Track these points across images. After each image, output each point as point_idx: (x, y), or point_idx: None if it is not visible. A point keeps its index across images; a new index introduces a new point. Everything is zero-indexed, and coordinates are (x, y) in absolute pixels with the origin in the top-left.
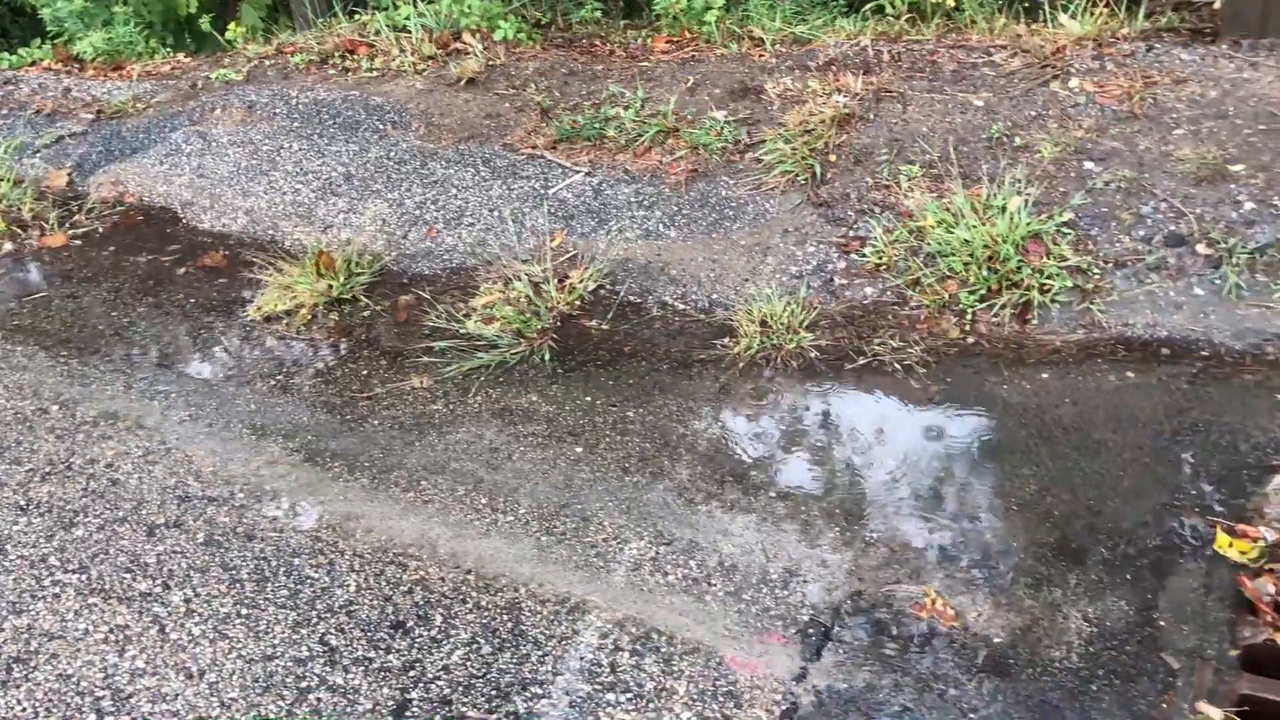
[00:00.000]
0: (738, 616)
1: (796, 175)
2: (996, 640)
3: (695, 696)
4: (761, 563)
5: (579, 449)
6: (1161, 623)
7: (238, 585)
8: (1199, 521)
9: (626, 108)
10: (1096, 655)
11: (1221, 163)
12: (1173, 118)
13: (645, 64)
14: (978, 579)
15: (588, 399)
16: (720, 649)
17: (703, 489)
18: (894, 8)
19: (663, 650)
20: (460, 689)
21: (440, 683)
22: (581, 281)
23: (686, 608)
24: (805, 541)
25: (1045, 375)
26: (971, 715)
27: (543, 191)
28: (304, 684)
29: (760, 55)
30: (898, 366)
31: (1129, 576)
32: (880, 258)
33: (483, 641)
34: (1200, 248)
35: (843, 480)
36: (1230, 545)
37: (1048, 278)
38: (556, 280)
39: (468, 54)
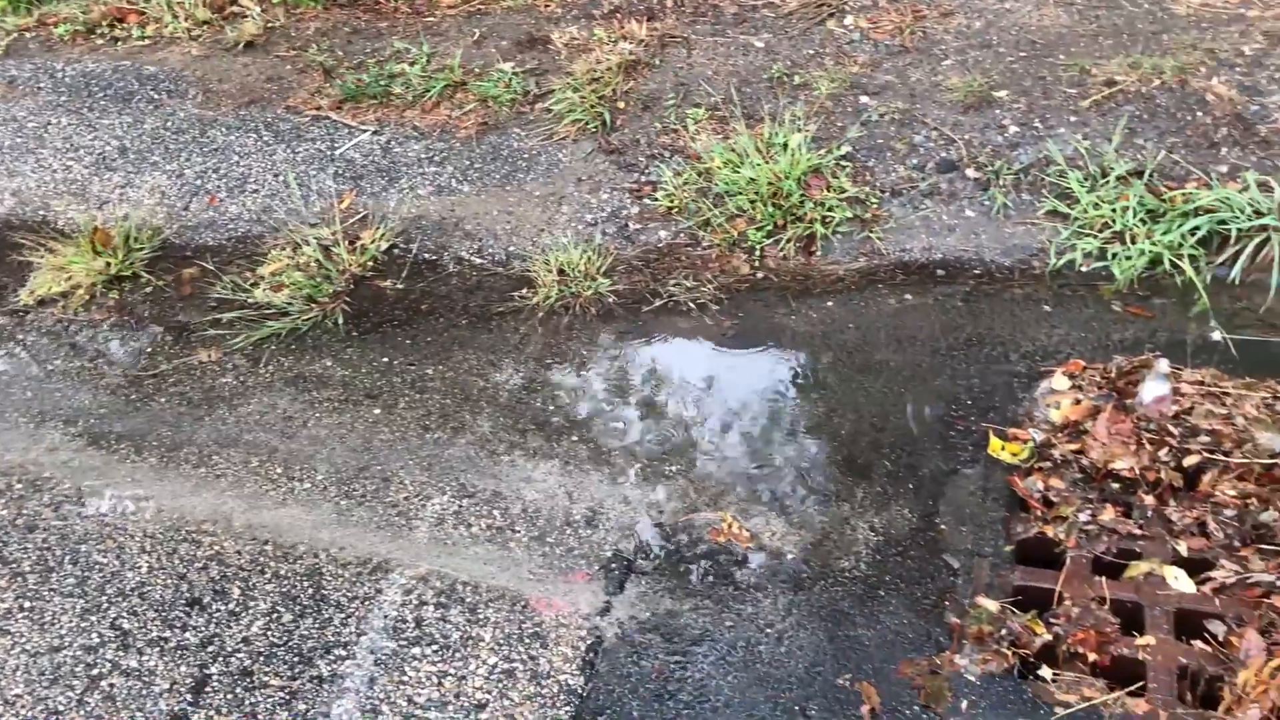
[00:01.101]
0: (542, 560)
1: (587, 124)
2: (790, 556)
3: (501, 641)
4: (565, 505)
5: (377, 410)
6: (943, 526)
7: (19, 579)
8: (975, 429)
9: (412, 64)
10: (883, 562)
11: (987, 90)
12: (941, 49)
13: (431, 19)
14: (772, 501)
15: (385, 360)
16: (525, 593)
17: (505, 439)
18: None
19: (468, 600)
20: (261, 659)
21: (240, 655)
22: (374, 242)
23: (491, 556)
24: (607, 481)
25: (830, 304)
26: (768, 630)
27: (329, 153)
28: (95, 671)
29: (546, 5)
30: (692, 306)
31: (912, 486)
32: (672, 201)
33: (283, 610)
34: (970, 172)
35: (643, 419)
36: (1003, 449)
37: (829, 210)
38: (347, 242)
39: (245, 17)
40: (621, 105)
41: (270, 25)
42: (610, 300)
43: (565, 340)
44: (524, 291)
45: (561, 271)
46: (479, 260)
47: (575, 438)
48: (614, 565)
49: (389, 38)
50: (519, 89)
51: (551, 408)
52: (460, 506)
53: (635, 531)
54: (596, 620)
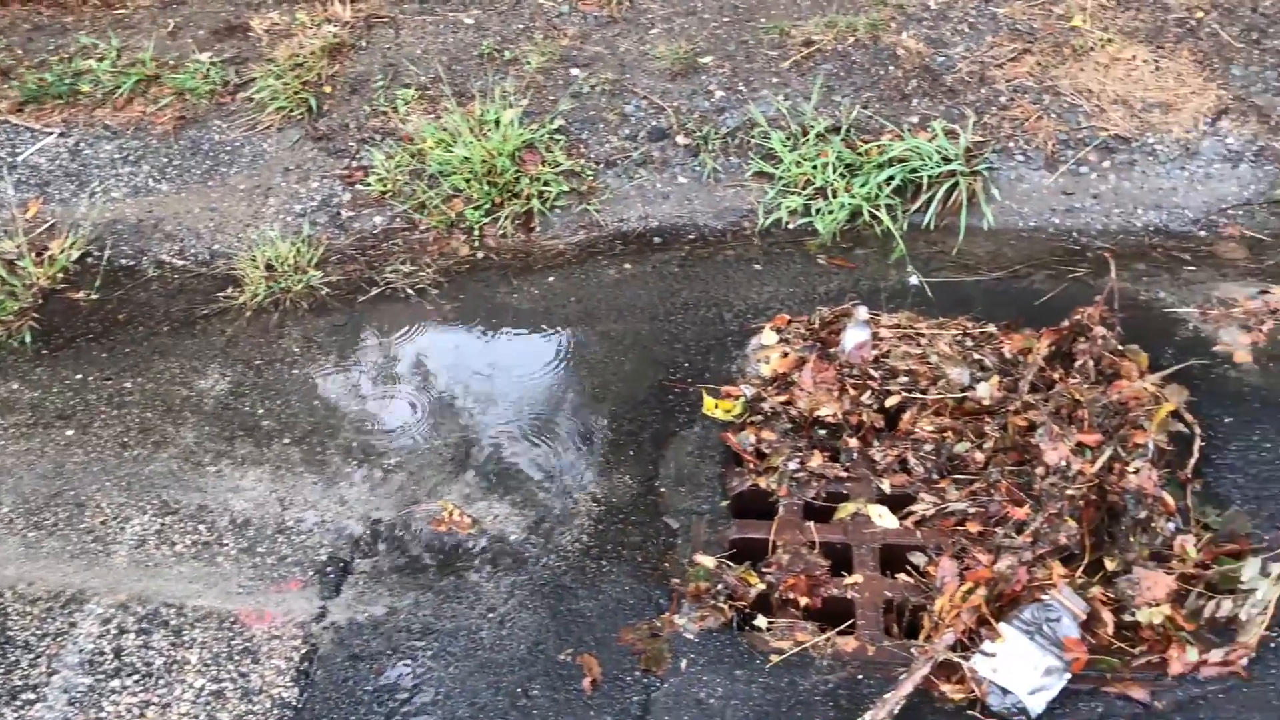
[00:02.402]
0: (253, 571)
1: (292, 111)
2: (513, 538)
3: (209, 662)
4: (277, 513)
5: (70, 432)
6: (662, 489)
7: None
8: (691, 391)
9: (101, 59)
10: (605, 532)
11: (693, 56)
12: (649, 18)
13: (121, 11)
14: (495, 483)
15: (78, 377)
16: (234, 608)
17: (211, 449)
18: None
19: (172, 623)
20: None
21: None
22: (63, 251)
23: (197, 574)
24: (323, 483)
25: (552, 279)
26: (490, 615)
27: (11, 160)
28: None
29: None
30: (411, 291)
31: (633, 453)
32: (385, 185)
33: None
34: (680, 139)
35: (360, 413)
36: (716, 407)
37: (546, 185)
38: (34, 254)
39: None
40: (328, 90)
41: None
42: (324, 293)
43: (276, 339)
44: (230, 291)
45: (270, 267)
46: (181, 262)
47: (287, 440)
48: (329, 569)
49: (74, 33)
50: (218, 79)
51: (261, 411)
52: (163, 525)
53: (351, 532)
54: (311, 628)
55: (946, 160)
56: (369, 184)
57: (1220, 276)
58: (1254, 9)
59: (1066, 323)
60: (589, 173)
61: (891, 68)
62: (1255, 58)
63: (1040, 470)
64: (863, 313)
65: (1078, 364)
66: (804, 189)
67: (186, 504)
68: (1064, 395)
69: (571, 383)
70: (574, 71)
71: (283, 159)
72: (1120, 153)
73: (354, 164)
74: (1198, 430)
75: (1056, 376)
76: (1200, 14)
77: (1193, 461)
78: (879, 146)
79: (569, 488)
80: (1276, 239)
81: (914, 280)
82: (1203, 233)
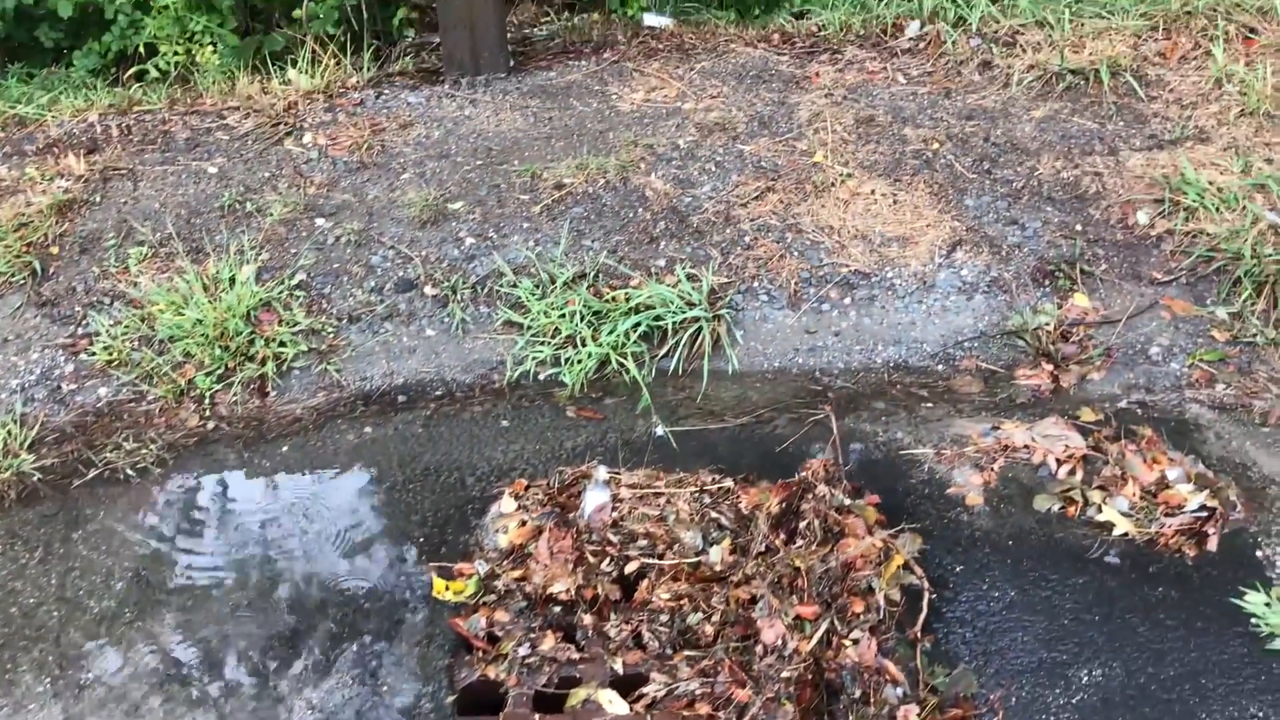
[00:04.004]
0: None
1: (13, 276)
2: None
3: None
4: None
5: None
6: (385, 686)
7: None
8: (422, 570)
9: None
10: None
11: (443, 202)
12: (400, 163)
13: None
14: (201, 696)
15: None
16: None
17: None
18: (158, 70)
19: None
20: None
21: None
22: None
23: None
24: (9, 706)
25: (286, 449)
26: None
27: None
28: None
29: None
30: (132, 472)
31: (355, 649)
32: (111, 354)
33: None
34: (428, 289)
35: (60, 620)
36: (446, 589)
37: (282, 346)
38: None
39: None
40: (55, 251)
41: None
42: (35, 479)
43: None
44: None
45: None
46: None
47: None
48: None
49: None
50: None
51: None
52: None
53: None
54: None
55: (690, 305)
56: (94, 353)
57: (956, 413)
58: (986, 139)
59: (795, 478)
60: (330, 330)
61: (640, 209)
62: (987, 188)
63: (759, 649)
64: (602, 473)
65: (804, 524)
66: (553, 338)
67: None
68: (786, 563)
69: (294, 575)
70: (319, 222)
71: (2, 329)
72: (861, 288)
73: (80, 331)
74: (926, 585)
75: (781, 541)
76: (936, 145)
77: (922, 618)
78: (625, 294)
79: (282, 695)
80: (1009, 370)
81: (659, 431)
82: (940, 367)
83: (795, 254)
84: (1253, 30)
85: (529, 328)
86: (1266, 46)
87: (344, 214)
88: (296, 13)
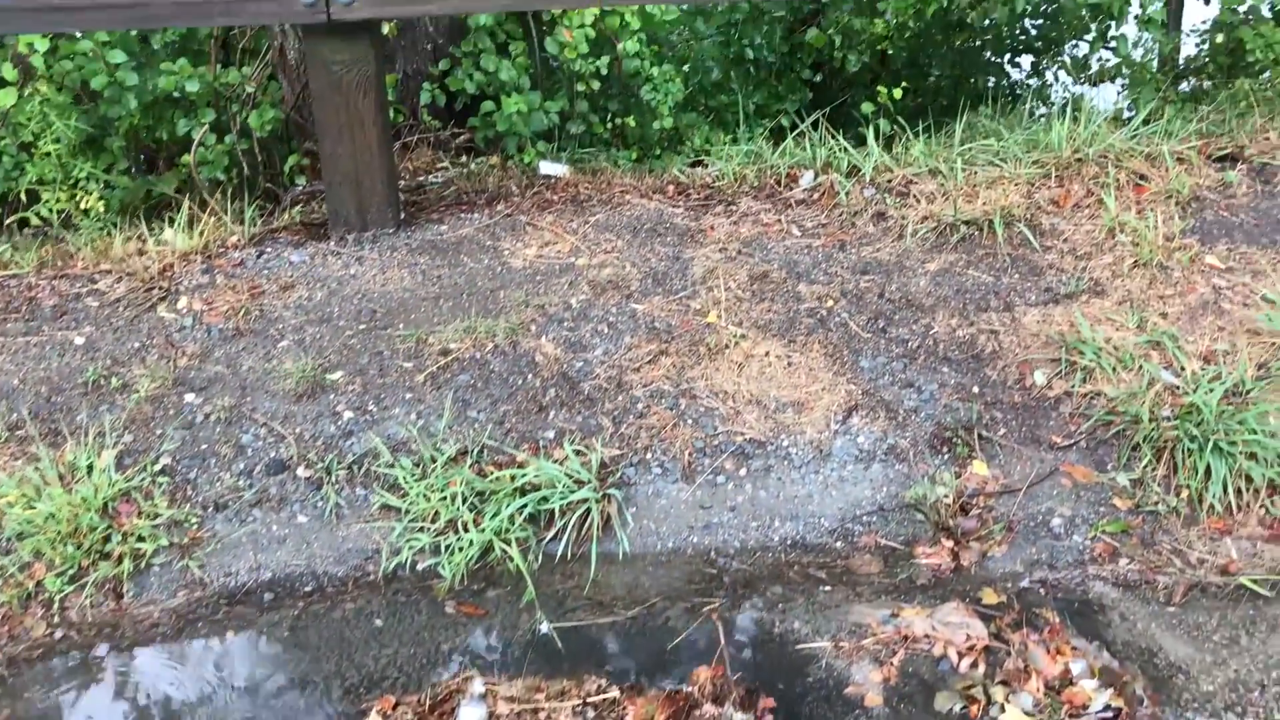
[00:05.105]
0: None
1: None
2: None
3: None
4: None
5: None
6: None
7: None
8: None
9: None
10: None
11: (321, 373)
12: (279, 329)
13: None
14: None
15: None
16: None
17: None
18: (40, 218)
19: None
20: None
21: None
22: None
23: None
24: None
25: (139, 660)
26: None
27: None
28: None
29: None
30: None
31: None
32: None
33: None
34: (301, 470)
35: None
36: None
37: (141, 541)
38: None
39: None
40: None
41: None
42: None
43: None
44: None
45: None
46: None
47: None
48: None
49: None
50: None
51: None
52: None
53: None
54: None
55: (579, 484)
56: None
57: (856, 596)
58: (880, 295)
59: (682, 691)
60: (194, 520)
61: (530, 376)
62: (882, 348)
63: None
64: (478, 687)
65: None
66: (433, 523)
67: None
68: None
69: None
70: (189, 398)
71: None
72: (756, 458)
73: None
74: None
75: None
76: (830, 303)
77: None
78: (511, 473)
79: None
80: (909, 546)
81: (544, 628)
82: (839, 544)
83: (689, 422)
84: (1143, 177)
85: (408, 512)
86: (1157, 194)
87: (215, 388)
88: (185, 158)
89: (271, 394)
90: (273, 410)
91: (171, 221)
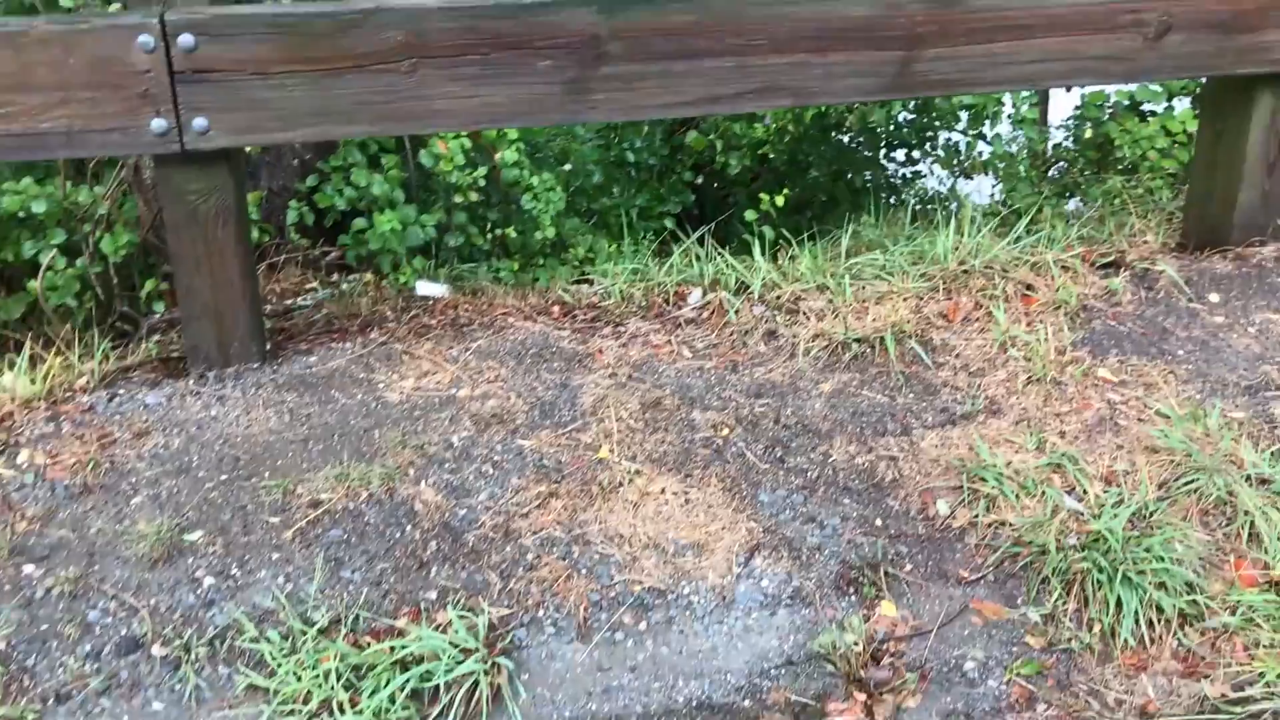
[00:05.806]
0: None
1: None
2: None
3: None
4: None
5: None
6: None
7: None
8: None
9: None
10: None
11: (179, 533)
12: (132, 483)
13: None
14: None
15: None
16: None
17: None
18: None
19: None
20: None
21: None
22: None
23: None
24: None
25: None
26: None
27: None
28: None
29: None
30: None
31: None
32: None
33: None
34: (156, 649)
35: None
36: None
37: None
38: None
39: None
40: None
41: None
42: None
43: None
44: None
45: None
46: None
47: None
48: None
49: None
50: None
51: None
52: None
53: None
54: None
55: (466, 653)
56: None
57: None
58: (776, 420)
59: None
60: (31, 716)
61: (409, 527)
62: (781, 479)
63: None
64: None
65: None
66: (305, 704)
67: None
68: None
69: None
70: (28, 569)
71: None
72: (656, 609)
73: None
74: None
75: None
76: (726, 431)
77: None
78: (391, 646)
79: None
80: (819, 702)
81: None
82: (747, 702)
83: (583, 572)
84: (1030, 287)
85: (276, 692)
86: (1045, 305)
87: (59, 556)
88: (31, 284)
89: (123, 560)
90: (124, 579)
91: (12, 365)
